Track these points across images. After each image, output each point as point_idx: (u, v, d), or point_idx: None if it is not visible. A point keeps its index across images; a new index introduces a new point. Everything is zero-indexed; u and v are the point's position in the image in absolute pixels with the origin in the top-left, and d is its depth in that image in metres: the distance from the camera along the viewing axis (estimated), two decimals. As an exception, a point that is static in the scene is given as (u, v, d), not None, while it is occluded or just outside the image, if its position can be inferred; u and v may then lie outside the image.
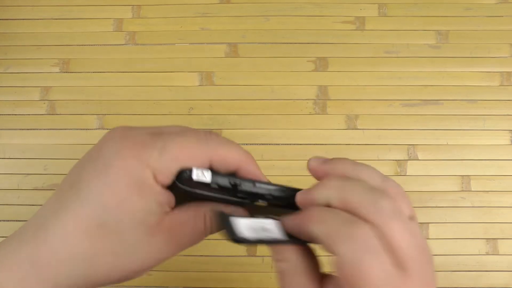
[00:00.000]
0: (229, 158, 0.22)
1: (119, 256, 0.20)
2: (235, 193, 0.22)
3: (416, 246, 0.18)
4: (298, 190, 0.23)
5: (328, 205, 0.20)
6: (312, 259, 0.21)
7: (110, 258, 0.20)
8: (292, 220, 0.21)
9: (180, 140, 0.21)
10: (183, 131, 0.22)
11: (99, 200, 0.20)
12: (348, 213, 0.19)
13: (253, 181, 0.23)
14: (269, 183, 0.23)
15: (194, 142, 0.21)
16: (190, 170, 0.21)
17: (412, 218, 0.20)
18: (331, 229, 0.19)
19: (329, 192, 0.21)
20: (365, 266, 0.17)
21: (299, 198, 0.22)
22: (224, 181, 0.22)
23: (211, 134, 0.22)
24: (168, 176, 0.21)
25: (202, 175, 0.21)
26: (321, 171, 0.23)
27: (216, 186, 0.22)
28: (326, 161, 0.23)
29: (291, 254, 0.21)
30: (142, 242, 0.21)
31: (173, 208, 0.22)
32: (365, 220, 0.19)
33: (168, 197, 0.21)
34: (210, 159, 0.21)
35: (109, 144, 0.21)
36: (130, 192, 0.20)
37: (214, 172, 0.22)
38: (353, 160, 0.23)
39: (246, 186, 0.23)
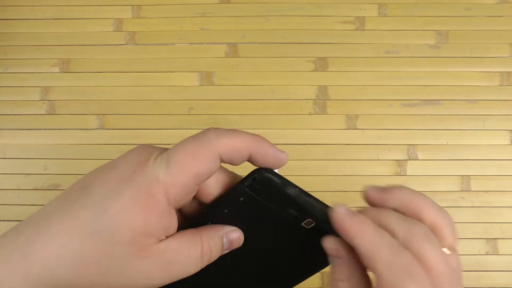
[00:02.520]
0: (236, 145, 0.20)
1: (104, 269, 0.20)
2: (290, 205, 0.22)
3: (449, 273, 0.20)
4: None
5: None
6: (366, 280, 0.22)
7: (95, 269, 0.19)
8: (344, 221, 0.22)
9: (183, 148, 0.20)
10: (185, 139, 0.21)
11: (101, 206, 0.19)
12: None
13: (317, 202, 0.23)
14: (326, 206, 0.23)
15: (195, 144, 0.20)
16: (268, 170, 0.21)
17: (451, 248, 0.22)
18: (376, 248, 0.20)
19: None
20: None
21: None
22: (291, 189, 0.22)
23: (209, 130, 0.21)
24: (182, 187, 0.20)
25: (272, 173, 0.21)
26: (379, 200, 0.23)
27: (282, 190, 0.22)
28: (383, 190, 0.23)
29: (352, 274, 0.21)
30: (130, 262, 0.20)
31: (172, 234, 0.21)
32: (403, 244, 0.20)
33: (172, 221, 0.21)
34: (219, 154, 0.20)
35: (128, 159, 0.21)
36: (133, 207, 0.19)
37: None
38: (411, 189, 0.24)
39: (306, 200, 0.22)
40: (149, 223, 0.19)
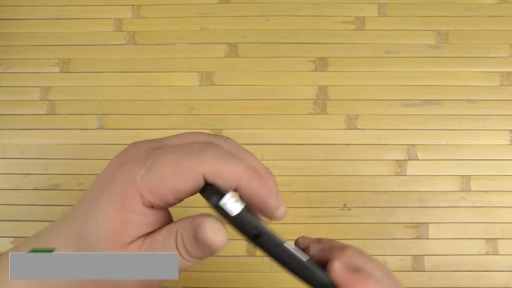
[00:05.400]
0: (225, 172, 0.19)
1: None
2: (255, 242, 0.19)
3: None
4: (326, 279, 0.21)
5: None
6: None
7: None
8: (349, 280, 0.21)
9: (169, 158, 0.19)
10: (177, 145, 0.20)
11: (86, 211, 0.20)
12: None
13: (281, 243, 0.19)
14: (299, 250, 0.20)
15: (184, 157, 0.19)
16: (224, 192, 0.18)
17: None
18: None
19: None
20: None
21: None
22: (249, 226, 0.19)
23: (207, 145, 0.19)
24: (159, 197, 0.19)
25: (231, 205, 0.18)
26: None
27: (237, 224, 0.19)
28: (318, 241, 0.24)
29: None
30: None
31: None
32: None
33: (154, 218, 0.20)
34: (203, 172, 0.19)
35: (113, 159, 0.21)
36: (110, 209, 0.19)
37: (248, 209, 0.19)
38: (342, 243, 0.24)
39: (268, 244, 0.19)
40: (126, 223, 0.19)
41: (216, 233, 0.19)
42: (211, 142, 0.20)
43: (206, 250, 0.19)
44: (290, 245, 0.20)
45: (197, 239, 0.19)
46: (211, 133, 0.24)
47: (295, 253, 0.20)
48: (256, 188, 0.19)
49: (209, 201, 0.19)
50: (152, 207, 0.20)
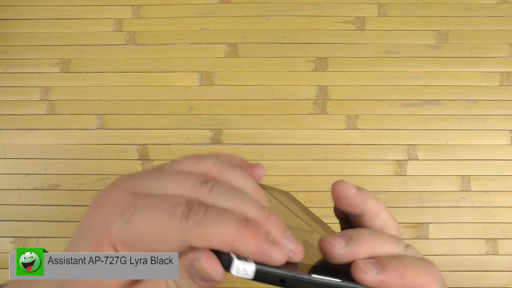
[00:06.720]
0: (211, 239, 0.17)
1: None
2: (283, 286, 0.18)
3: None
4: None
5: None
6: None
7: None
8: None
9: (150, 217, 0.18)
10: (161, 200, 0.18)
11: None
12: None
13: (308, 274, 0.18)
14: (330, 277, 0.19)
15: (166, 221, 0.17)
16: (229, 260, 0.17)
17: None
18: None
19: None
20: None
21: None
22: (271, 278, 0.18)
23: (191, 210, 0.18)
24: (132, 251, 0.18)
25: (243, 270, 0.17)
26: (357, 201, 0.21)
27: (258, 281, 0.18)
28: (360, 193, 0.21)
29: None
30: None
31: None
32: None
33: None
34: (188, 242, 0.17)
35: (94, 199, 0.20)
36: None
37: (259, 263, 0.17)
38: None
39: (296, 284, 0.18)
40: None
41: (214, 266, 0.17)
42: (194, 203, 0.18)
43: (204, 286, 0.18)
44: (317, 275, 0.19)
45: (192, 276, 0.18)
46: (203, 158, 0.21)
47: (326, 279, 0.19)
48: (248, 247, 0.17)
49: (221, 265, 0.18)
50: None
